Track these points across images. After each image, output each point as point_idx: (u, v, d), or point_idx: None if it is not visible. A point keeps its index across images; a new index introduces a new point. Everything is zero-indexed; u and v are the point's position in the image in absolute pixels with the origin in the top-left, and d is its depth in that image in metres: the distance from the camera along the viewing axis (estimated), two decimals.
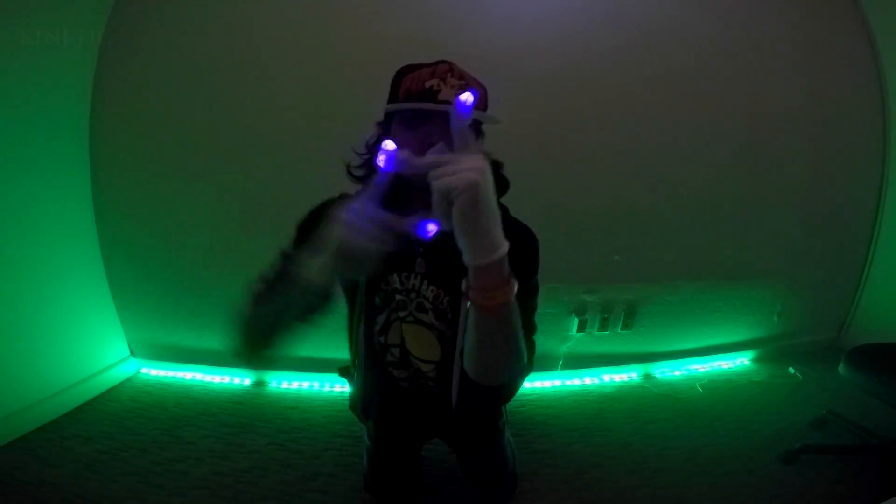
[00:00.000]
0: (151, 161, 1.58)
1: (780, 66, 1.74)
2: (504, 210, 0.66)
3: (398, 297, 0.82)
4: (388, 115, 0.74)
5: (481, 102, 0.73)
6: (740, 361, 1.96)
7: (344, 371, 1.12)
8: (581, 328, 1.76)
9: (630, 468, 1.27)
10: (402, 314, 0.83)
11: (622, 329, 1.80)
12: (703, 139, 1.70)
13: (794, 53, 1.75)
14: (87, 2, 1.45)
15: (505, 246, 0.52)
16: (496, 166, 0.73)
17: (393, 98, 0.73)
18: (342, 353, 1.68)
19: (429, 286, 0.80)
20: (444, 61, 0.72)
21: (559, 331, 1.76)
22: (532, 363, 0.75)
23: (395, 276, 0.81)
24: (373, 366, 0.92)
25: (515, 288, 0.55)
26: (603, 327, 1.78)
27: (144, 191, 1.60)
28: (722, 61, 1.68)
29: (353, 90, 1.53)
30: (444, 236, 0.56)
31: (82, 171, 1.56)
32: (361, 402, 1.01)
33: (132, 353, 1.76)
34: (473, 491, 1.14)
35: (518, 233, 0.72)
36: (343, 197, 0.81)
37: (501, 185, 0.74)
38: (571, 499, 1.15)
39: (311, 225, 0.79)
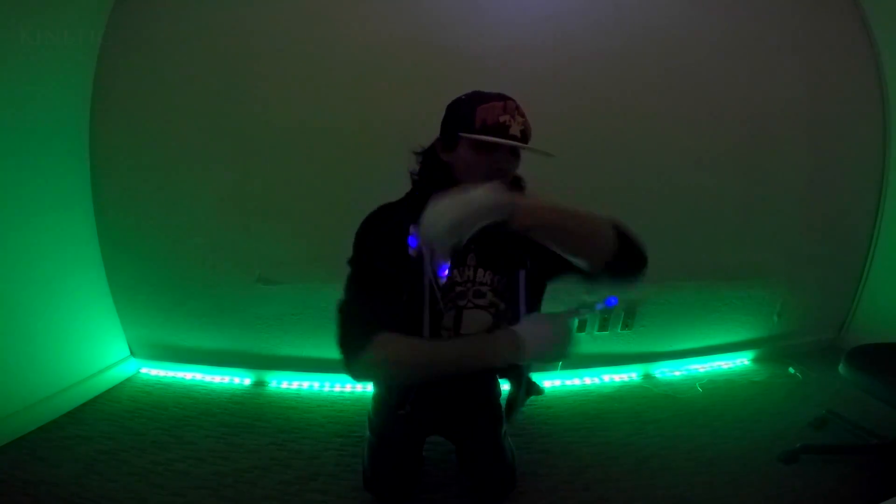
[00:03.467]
0: (151, 161, 1.58)
1: (780, 65, 1.74)
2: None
3: (458, 288, 0.91)
4: (455, 136, 0.85)
5: (531, 136, 0.86)
6: (740, 361, 1.96)
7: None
8: (581, 328, 1.76)
9: (630, 468, 1.27)
10: (461, 303, 0.93)
11: (622, 329, 1.80)
12: (703, 139, 1.70)
13: (794, 53, 1.75)
14: (87, 2, 1.45)
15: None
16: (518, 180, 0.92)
17: (467, 122, 0.82)
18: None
19: (485, 272, 0.92)
20: (507, 97, 0.84)
21: None
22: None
23: (455, 271, 0.90)
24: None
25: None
26: (603, 327, 1.78)
27: (144, 191, 1.60)
28: (722, 61, 1.68)
29: (353, 90, 1.53)
30: (489, 229, 0.74)
31: (82, 171, 1.56)
32: (398, 391, 0.99)
33: (132, 353, 1.76)
34: (473, 490, 1.14)
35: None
36: (387, 207, 0.94)
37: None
38: (571, 499, 1.15)
39: (372, 231, 0.89)
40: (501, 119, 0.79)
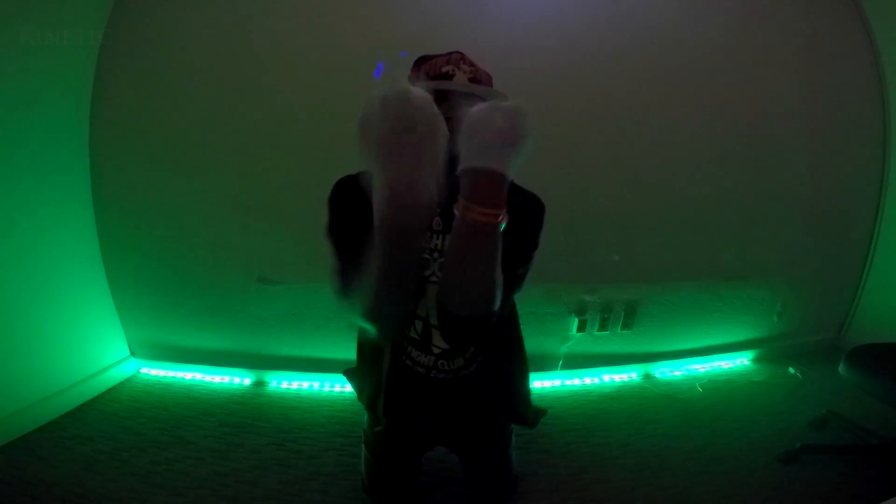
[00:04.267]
0: (151, 161, 1.58)
1: (779, 65, 1.74)
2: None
3: (426, 255, 0.84)
4: None
5: (489, 86, 0.82)
6: (740, 361, 1.96)
7: (350, 372, 1.10)
8: (581, 328, 1.76)
9: (630, 468, 1.27)
10: (426, 273, 0.85)
11: (622, 329, 1.80)
12: (703, 139, 1.70)
13: (794, 53, 1.75)
14: (87, 2, 1.45)
15: (511, 171, 0.57)
16: None
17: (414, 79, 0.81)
18: (342, 353, 1.69)
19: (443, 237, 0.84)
20: (457, 51, 0.81)
21: (559, 331, 1.76)
22: (498, 309, 0.72)
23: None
24: (394, 349, 0.91)
25: (505, 220, 0.58)
26: (603, 327, 1.78)
27: (144, 190, 1.60)
28: (722, 61, 1.68)
29: (353, 90, 1.52)
30: (456, 193, 0.64)
31: (82, 171, 1.56)
32: (376, 394, 0.95)
33: (132, 353, 1.76)
34: (473, 492, 1.14)
35: (524, 194, 0.82)
36: (363, 173, 0.84)
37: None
38: (571, 499, 1.15)
39: (343, 195, 0.85)
40: (444, 69, 0.78)
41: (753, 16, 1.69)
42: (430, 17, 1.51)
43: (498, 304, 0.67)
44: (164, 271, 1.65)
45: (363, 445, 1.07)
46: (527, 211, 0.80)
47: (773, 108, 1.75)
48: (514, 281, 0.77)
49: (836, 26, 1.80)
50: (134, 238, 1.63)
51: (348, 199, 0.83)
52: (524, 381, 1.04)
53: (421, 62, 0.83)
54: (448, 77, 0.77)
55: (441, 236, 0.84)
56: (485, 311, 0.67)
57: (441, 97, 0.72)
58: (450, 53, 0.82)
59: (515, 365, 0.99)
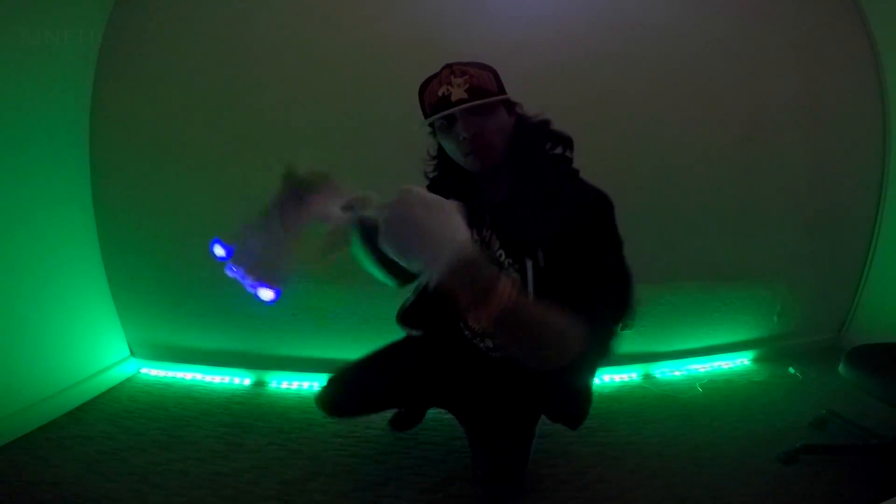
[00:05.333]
0: (151, 161, 1.58)
1: (779, 65, 1.74)
2: (573, 174, 0.85)
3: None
4: (431, 126, 0.85)
5: (492, 82, 0.80)
6: (740, 361, 1.96)
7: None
8: None
9: (630, 468, 1.27)
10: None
11: (622, 329, 1.79)
12: (703, 138, 1.70)
13: (793, 53, 1.75)
14: (87, 2, 1.45)
15: (454, 251, 0.48)
16: (544, 125, 0.85)
17: (424, 113, 0.84)
18: (342, 353, 1.69)
19: (496, 240, 0.88)
20: (444, 66, 0.80)
21: None
22: (602, 352, 0.80)
23: (475, 229, 0.89)
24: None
25: (508, 288, 0.51)
26: None
27: (144, 190, 1.60)
28: (721, 61, 1.68)
29: (353, 90, 1.53)
30: (510, 201, 0.78)
31: (82, 171, 1.56)
32: (412, 312, 1.03)
33: (132, 353, 1.76)
34: (474, 491, 1.13)
35: (573, 199, 0.78)
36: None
37: (558, 139, 0.85)
38: (571, 499, 1.15)
39: None
40: (440, 93, 0.77)
41: (753, 15, 1.69)
42: (430, 17, 1.51)
43: (578, 343, 0.61)
44: (164, 271, 1.65)
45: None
46: (574, 218, 0.77)
47: (772, 108, 1.75)
48: (593, 302, 0.70)
49: (835, 26, 1.80)
50: (134, 238, 1.63)
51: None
52: (575, 378, 0.96)
53: (422, 92, 0.83)
54: (446, 98, 0.76)
55: (490, 234, 0.88)
56: (564, 360, 0.62)
57: (451, 121, 0.77)
58: (440, 71, 0.80)
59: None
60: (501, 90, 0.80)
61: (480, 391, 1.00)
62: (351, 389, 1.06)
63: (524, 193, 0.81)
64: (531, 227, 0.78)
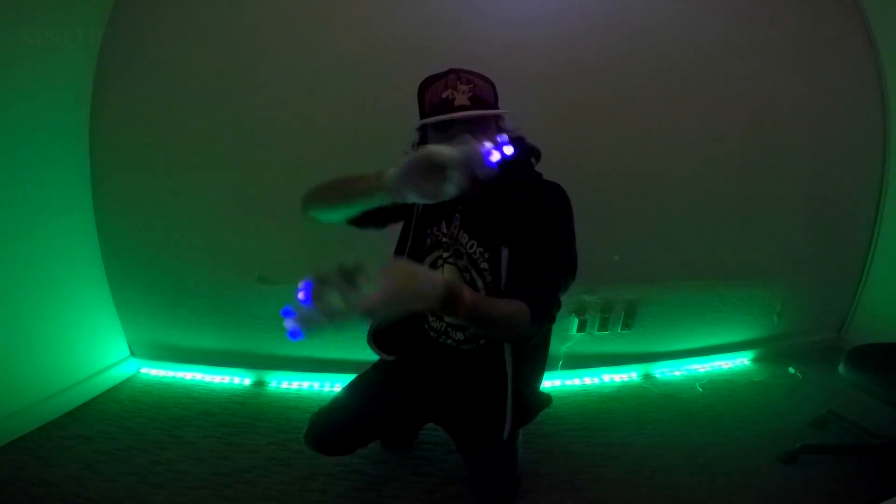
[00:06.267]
0: (151, 161, 1.58)
1: (780, 65, 1.73)
2: (536, 176, 0.96)
3: (444, 239, 0.96)
4: (423, 126, 0.90)
5: (491, 95, 0.87)
6: (740, 361, 1.96)
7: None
8: (581, 328, 1.76)
9: (630, 468, 1.27)
10: (445, 255, 0.97)
11: (622, 329, 1.79)
12: (703, 139, 1.70)
13: (794, 53, 1.75)
14: (87, 2, 1.45)
15: (440, 297, 0.65)
16: (520, 141, 0.91)
17: (422, 111, 0.88)
18: (342, 353, 1.69)
19: (464, 234, 0.94)
20: (451, 70, 0.85)
21: (559, 331, 1.76)
22: (545, 318, 0.84)
23: (444, 223, 0.96)
24: None
25: (470, 296, 0.68)
26: (603, 327, 1.78)
27: (144, 191, 1.60)
28: (722, 61, 1.68)
29: (352, 90, 1.53)
30: (482, 196, 0.88)
31: (82, 171, 1.56)
32: (382, 333, 1.08)
33: (132, 353, 1.76)
34: (474, 491, 1.13)
35: (537, 195, 0.91)
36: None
37: (532, 151, 0.96)
38: (571, 499, 1.15)
39: None
40: (444, 95, 0.81)
41: (753, 16, 1.68)
42: (429, 18, 1.51)
43: (526, 324, 0.78)
44: (163, 271, 1.65)
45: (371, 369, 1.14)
46: (529, 213, 0.89)
47: (772, 108, 1.75)
48: (542, 287, 0.84)
49: (836, 26, 1.80)
50: (134, 238, 1.63)
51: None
52: (531, 377, 1.04)
53: (423, 89, 0.87)
54: (450, 102, 0.81)
55: (459, 228, 0.95)
56: (522, 338, 0.85)
57: (448, 123, 0.81)
58: (447, 74, 0.85)
59: (523, 358, 0.98)
60: (496, 104, 0.88)
61: (458, 398, 1.04)
62: (337, 430, 1.06)
63: (496, 194, 0.90)
64: (502, 222, 0.89)
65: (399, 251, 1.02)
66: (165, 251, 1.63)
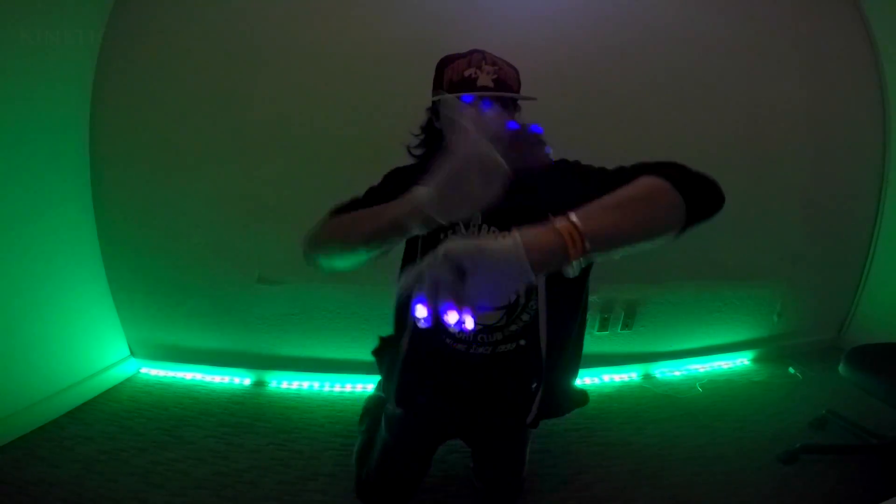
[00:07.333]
0: (151, 161, 1.58)
1: (779, 65, 1.74)
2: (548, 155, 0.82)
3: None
4: (435, 102, 0.84)
5: (516, 82, 0.82)
6: (740, 361, 1.96)
7: (378, 351, 1.06)
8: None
9: (630, 468, 1.27)
10: None
11: (622, 329, 1.80)
12: (703, 139, 1.70)
13: (793, 53, 1.75)
14: (87, 2, 1.45)
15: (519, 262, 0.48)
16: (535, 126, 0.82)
17: (438, 86, 0.81)
18: (342, 353, 1.69)
19: (489, 229, 0.83)
20: (477, 50, 0.80)
21: None
22: (697, 181, 0.68)
23: (461, 226, 0.84)
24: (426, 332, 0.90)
25: (567, 228, 0.50)
26: (603, 327, 1.78)
27: (144, 191, 1.60)
28: (721, 61, 1.68)
29: (353, 90, 1.53)
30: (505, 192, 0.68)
31: (82, 171, 1.56)
32: (400, 381, 0.93)
33: (132, 353, 1.76)
34: (474, 491, 1.13)
35: (559, 169, 0.85)
36: (399, 169, 0.92)
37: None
38: (571, 499, 1.15)
39: (390, 184, 0.88)
40: (466, 73, 0.76)
41: (753, 16, 1.69)
42: (434, 17, 1.51)
43: (687, 188, 0.64)
44: (164, 271, 1.65)
45: (363, 432, 1.05)
46: (566, 181, 0.81)
47: (773, 108, 1.75)
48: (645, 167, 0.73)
49: (836, 26, 1.80)
50: (134, 238, 1.63)
51: (402, 181, 0.79)
52: (565, 371, 0.97)
53: (443, 66, 0.81)
54: (472, 81, 0.75)
55: (479, 228, 0.85)
56: (691, 215, 0.67)
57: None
58: (470, 53, 0.80)
59: (557, 352, 0.91)
60: (520, 92, 0.83)
61: (488, 401, 0.95)
62: (398, 489, 1.02)
63: (514, 184, 0.79)
64: (534, 203, 0.76)
65: (409, 262, 0.88)
66: (165, 251, 1.63)
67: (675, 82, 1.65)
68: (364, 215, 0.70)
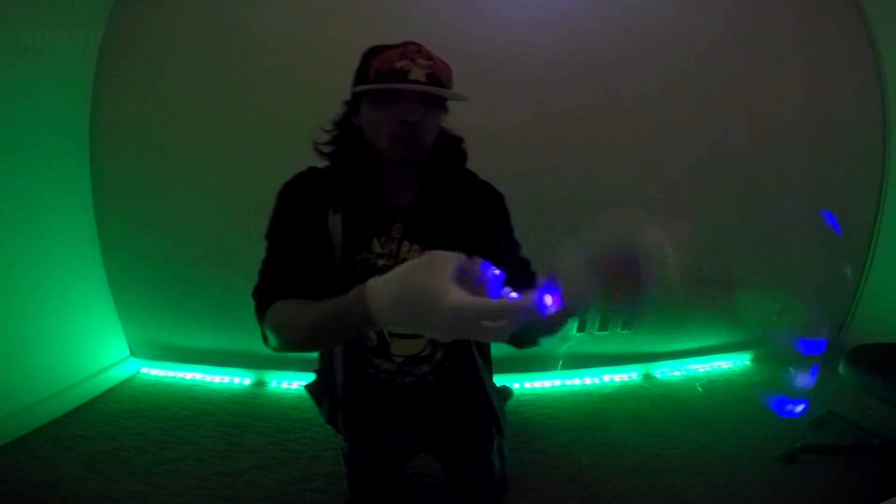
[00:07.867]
0: (151, 161, 1.58)
1: (780, 66, 1.74)
2: (471, 175, 0.84)
3: (380, 261, 0.77)
4: (357, 95, 0.76)
5: (449, 81, 0.74)
6: (740, 361, 1.96)
7: (311, 387, 0.99)
8: (581, 328, 1.76)
9: (630, 468, 1.27)
10: None
11: (622, 329, 1.79)
12: (703, 139, 1.70)
13: (794, 54, 1.75)
14: (87, 2, 1.45)
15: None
16: (458, 140, 0.82)
17: (362, 78, 0.73)
18: None
19: (410, 246, 0.77)
20: (412, 42, 0.73)
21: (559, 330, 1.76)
22: None
23: (376, 240, 0.77)
24: (350, 356, 0.83)
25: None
26: (603, 327, 1.78)
27: (144, 191, 1.60)
28: (722, 62, 1.68)
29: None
30: (423, 199, 0.75)
31: (82, 171, 1.56)
32: (333, 408, 0.90)
33: (132, 353, 1.76)
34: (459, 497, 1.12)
35: (482, 195, 0.83)
36: (312, 171, 0.86)
37: (464, 153, 0.83)
38: (571, 499, 1.15)
39: (302, 193, 0.84)
40: (398, 65, 0.68)
41: (754, 16, 1.69)
42: (429, 18, 1.51)
43: None
44: (164, 271, 1.65)
45: (342, 461, 1.01)
46: (488, 212, 0.81)
47: (773, 108, 1.75)
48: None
49: (836, 27, 1.80)
50: (134, 238, 1.63)
51: (306, 199, 0.80)
52: (491, 384, 0.95)
53: (371, 55, 0.73)
54: (403, 73, 0.67)
55: (399, 242, 0.77)
56: None
57: (394, 97, 0.69)
58: (405, 44, 0.72)
59: (480, 369, 0.90)
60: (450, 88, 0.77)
61: (444, 425, 0.93)
62: None
63: (438, 197, 0.79)
64: (453, 228, 0.77)
65: (324, 292, 0.70)
66: (165, 251, 1.63)
67: (674, 83, 1.65)
68: (313, 320, 0.60)
